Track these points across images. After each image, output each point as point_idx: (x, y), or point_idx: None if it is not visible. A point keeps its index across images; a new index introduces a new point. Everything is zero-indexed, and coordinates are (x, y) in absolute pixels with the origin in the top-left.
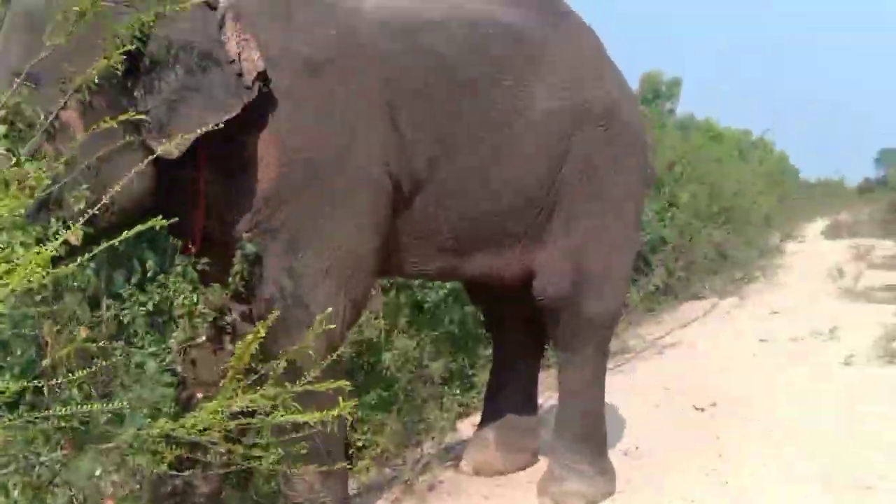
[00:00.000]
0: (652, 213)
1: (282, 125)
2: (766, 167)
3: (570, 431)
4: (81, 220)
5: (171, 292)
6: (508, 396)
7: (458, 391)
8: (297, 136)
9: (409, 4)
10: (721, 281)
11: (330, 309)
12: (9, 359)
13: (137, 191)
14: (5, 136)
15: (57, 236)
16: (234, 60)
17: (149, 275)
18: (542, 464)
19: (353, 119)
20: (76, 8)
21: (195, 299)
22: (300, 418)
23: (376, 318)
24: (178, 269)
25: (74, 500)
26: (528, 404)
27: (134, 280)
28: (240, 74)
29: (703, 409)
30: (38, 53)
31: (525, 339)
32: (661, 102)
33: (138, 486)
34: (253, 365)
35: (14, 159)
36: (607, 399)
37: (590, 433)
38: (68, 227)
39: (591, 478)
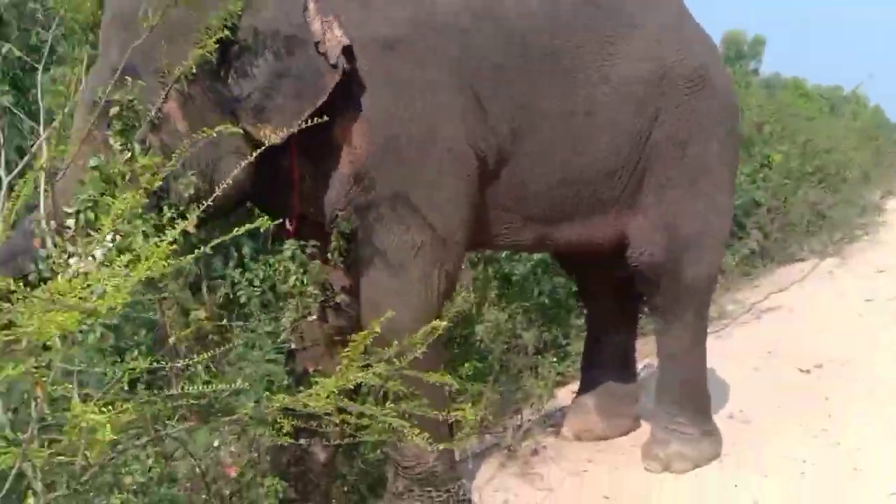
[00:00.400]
0: (744, 176)
1: (367, 106)
2: (860, 122)
3: (672, 395)
4: (194, 207)
5: (277, 272)
6: (606, 363)
7: (553, 360)
8: (382, 116)
9: None
10: (820, 242)
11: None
12: (134, 339)
13: (239, 177)
14: (120, 132)
15: (174, 225)
16: (318, 42)
17: (245, 259)
18: (644, 429)
19: (436, 96)
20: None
21: (304, 280)
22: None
23: (466, 292)
24: (288, 252)
25: (198, 469)
26: (626, 371)
27: (231, 264)
28: (325, 55)
29: (808, 371)
30: (137, 49)
31: (620, 307)
32: (745, 62)
33: (256, 455)
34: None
35: (129, 153)
36: (707, 364)
37: (693, 396)
38: (182, 216)
39: (696, 440)
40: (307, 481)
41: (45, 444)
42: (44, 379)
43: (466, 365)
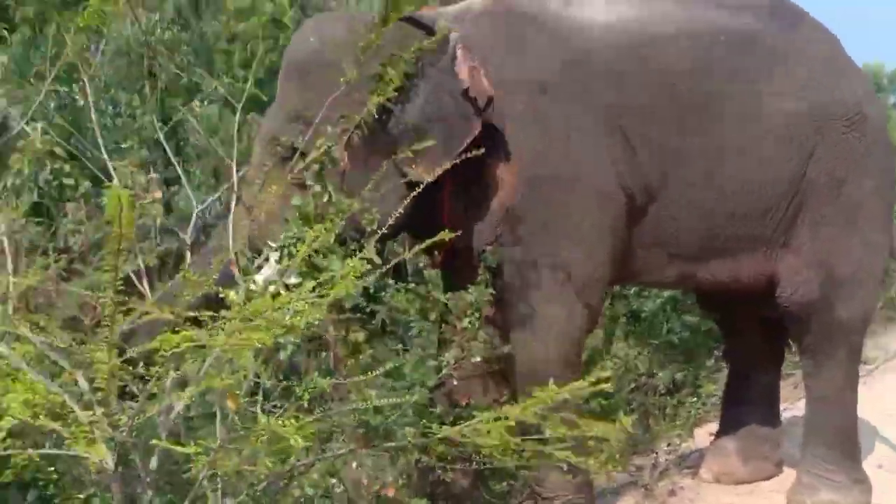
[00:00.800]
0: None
1: (518, 147)
2: None
3: (822, 439)
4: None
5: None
6: (748, 405)
7: (692, 400)
8: (533, 156)
9: (639, 23)
10: None
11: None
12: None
13: (395, 210)
14: (317, 175)
15: (357, 254)
16: (467, 88)
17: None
18: (786, 474)
19: (586, 138)
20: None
21: (475, 325)
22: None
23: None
24: (471, 295)
25: (361, 488)
26: (770, 413)
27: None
28: (474, 100)
29: None
30: (309, 98)
31: (764, 346)
32: (885, 96)
33: (407, 478)
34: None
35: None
36: None
37: (843, 441)
38: (360, 246)
39: (846, 488)
40: None
41: (229, 454)
42: (237, 392)
43: (593, 402)
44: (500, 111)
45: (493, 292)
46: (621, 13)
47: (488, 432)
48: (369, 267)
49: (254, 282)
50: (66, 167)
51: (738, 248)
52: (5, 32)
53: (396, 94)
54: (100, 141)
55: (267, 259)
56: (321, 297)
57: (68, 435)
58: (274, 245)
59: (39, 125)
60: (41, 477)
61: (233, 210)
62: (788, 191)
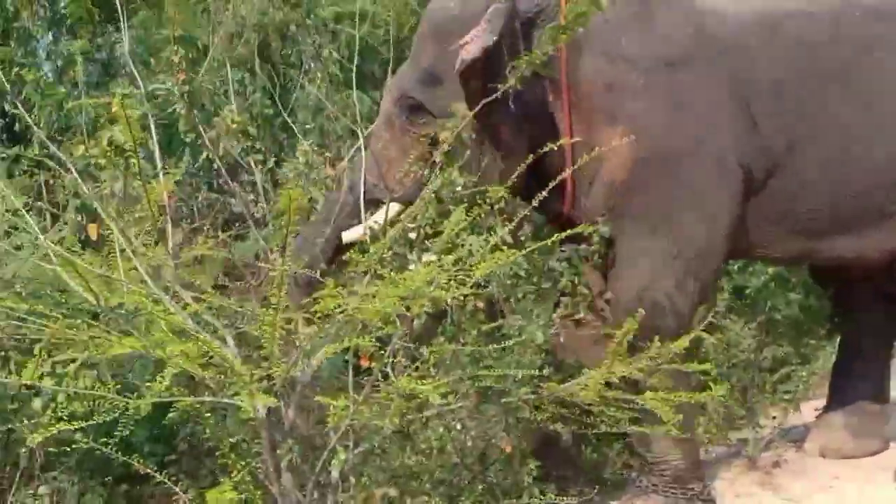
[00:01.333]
0: None
1: (639, 119)
2: None
3: None
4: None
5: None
6: (858, 380)
7: (800, 374)
8: (652, 129)
9: None
10: None
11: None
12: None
13: (518, 181)
14: (447, 156)
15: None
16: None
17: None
18: (893, 451)
19: (707, 111)
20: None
21: (577, 280)
22: (679, 399)
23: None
24: (566, 253)
25: (480, 440)
26: (879, 389)
27: None
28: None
29: None
30: (443, 59)
31: (880, 323)
32: None
33: (519, 436)
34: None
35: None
36: None
37: None
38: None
39: None
40: (551, 465)
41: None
42: (381, 352)
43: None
44: (623, 85)
45: (603, 263)
46: None
47: (587, 387)
48: (508, 250)
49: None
50: (258, 144)
51: (863, 223)
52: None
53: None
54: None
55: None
56: (465, 275)
57: (225, 386)
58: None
59: (233, 106)
60: (200, 420)
61: (362, 157)
62: None
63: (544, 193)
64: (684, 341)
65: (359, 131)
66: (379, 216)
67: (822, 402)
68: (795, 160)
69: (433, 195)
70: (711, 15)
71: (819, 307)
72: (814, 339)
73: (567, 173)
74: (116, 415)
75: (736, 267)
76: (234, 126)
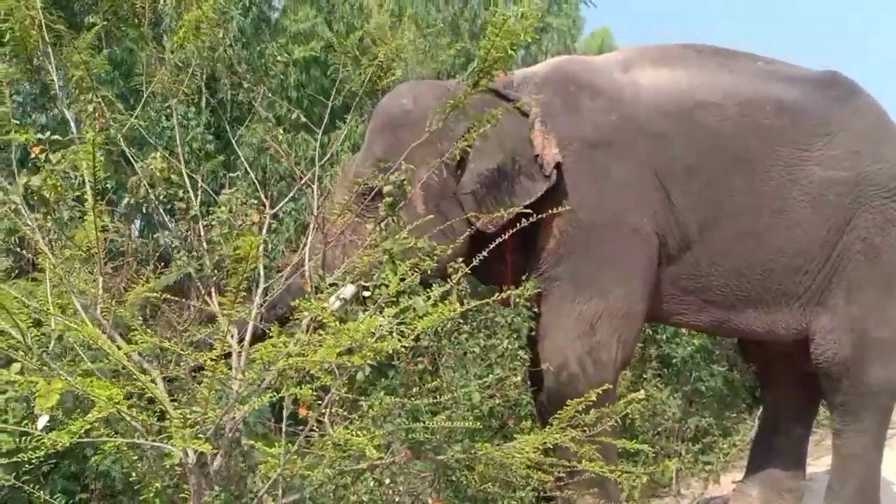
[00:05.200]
0: None
1: (569, 194)
2: None
3: (845, 496)
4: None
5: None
6: (776, 455)
7: (721, 446)
8: (581, 202)
9: (688, 89)
10: None
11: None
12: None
13: (458, 251)
14: (390, 206)
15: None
16: (538, 155)
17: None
18: None
19: (627, 188)
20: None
21: (516, 344)
22: (598, 470)
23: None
24: (502, 319)
25: (408, 496)
26: (796, 465)
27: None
28: (541, 166)
29: None
30: (396, 148)
31: (798, 400)
32: None
33: (452, 493)
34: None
35: (395, 224)
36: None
37: (865, 498)
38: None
39: None
40: None
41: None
42: (317, 402)
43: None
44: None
45: (533, 315)
46: (670, 80)
47: (522, 451)
48: (453, 308)
49: (328, 303)
50: (181, 192)
51: (772, 301)
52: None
53: (474, 150)
54: (179, 152)
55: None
56: (407, 328)
57: (144, 429)
58: (340, 272)
59: (159, 151)
60: (127, 465)
61: (310, 235)
62: (823, 253)
63: (483, 254)
64: (617, 411)
65: (299, 173)
66: (340, 293)
67: (740, 475)
68: (705, 238)
69: (387, 255)
70: (633, 104)
71: (742, 381)
72: (736, 411)
73: (506, 237)
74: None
75: (664, 337)
76: (159, 174)
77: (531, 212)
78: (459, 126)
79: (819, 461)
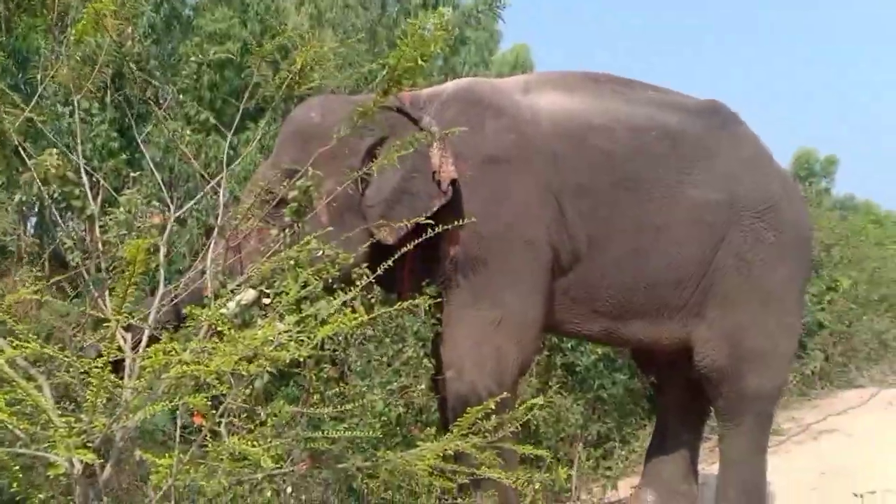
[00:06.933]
0: (810, 297)
1: (467, 205)
2: None
3: (731, 498)
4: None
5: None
6: (669, 461)
7: (619, 453)
8: (478, 213)
9: (582, 113)
10: (881, 371)
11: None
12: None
13: (359, 261)
14: (295, 212)
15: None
16: (435, 171)
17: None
18: None
19: (522, 202)
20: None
21: (420, 353)
22: (497, 476)
23: (529, 376)
24: (413, 327)
25: None
26: (689, 471)
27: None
28: (439, 182)
29: (861, 496)
30: (303, 157)
31: (687, 407)
32: (816, 180)
33: (355, 501)
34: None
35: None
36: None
37: (751, 500)
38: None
39: None
40: None
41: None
42: (213, 412)
43: (521, 448)
44: (458, 177)
45: (435, 323)
46: (567, 104)
47: (423, 458)
48: (356, 316)
49: (226, 307)
50: (77, 191)
51: (656, 313)
52: None
53: (378, 166)
54: (78, 149)
55: (236, 291)
56: (307, 336)
57: (28, 438)
58: (244, 277)
59: (55, 149)
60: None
61: (213, 241)
62: (700, 268)
63: (389, 263)
64: (519, 417)
65: (207, 175)
66: (239, 298)
67: (638, 480)
68: (594, 253)
69: (291, 261)
70: (532, 124)
71: (642, 389)
72: (636, 418)
73: (410, 246)
74: None
75: (569, 345)
76: (54, 171)
77: (432, 222)
78: (365, 141)
79: (714, 466)
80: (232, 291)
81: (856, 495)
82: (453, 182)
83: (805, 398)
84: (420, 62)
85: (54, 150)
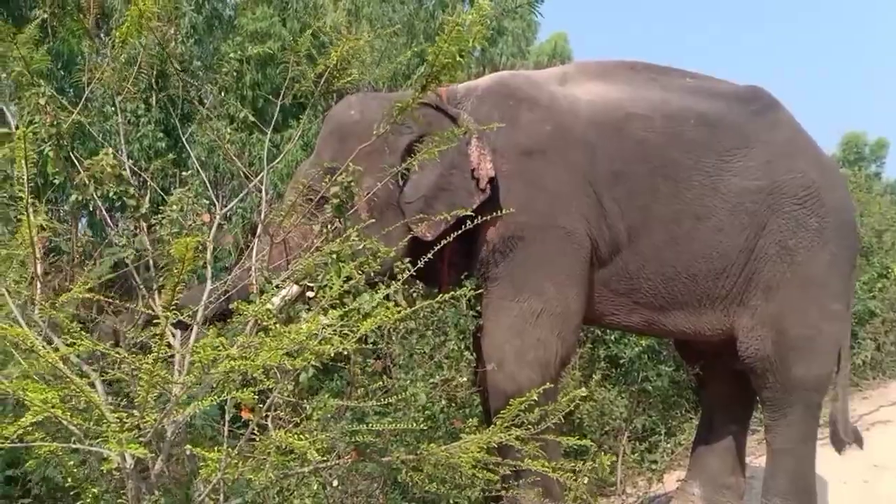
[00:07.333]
0: (861, 284)
1: (504, 198)
2: None
3: (778, 489)
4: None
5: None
6: (716, 454)
7: (665, 446)
8: (516, 206)
9: (619, 101)
10: None
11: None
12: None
13: (399, 255)
14: (337, 208)
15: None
16: (474, 169)
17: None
18: None
19: (559, 193)
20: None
21: (463, 345)
22: (541, 468)
23: (572, 369)
24: (454, 319)
25: (356, 498)
26: (736, 463)
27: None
28: (477, 180)
29: None
30: (343, 156)
31: (733, 398)
32: (866, 164)
33: (401, 496)
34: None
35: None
36: (816, 468)
37: (799, 493)
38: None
39: None
40: None
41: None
42: (259, 406)
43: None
44: (495, 170)
45: (475, 315)
46: (604, 93)
47: (467, 451)
48: (399, 310)
49: (270, 303)
50: (131, 190)
51: (697, 303)
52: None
53: (418, 164)
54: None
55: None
56: (350, 330)
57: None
58: (288, 273)
59: (110, 150)
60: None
61: (258, 237)
62: (742, 257)
63: (428, 256)
64: (561, 409)
65: (251, 173)
66: (284, 293)
67: (684, 473)
68: (634, 243)
69: (334, 256)
70: (570, 115)
71: (687, 381)
72: (681, 411)
73: (449, 240)
74: None
75: (613, 337)
76: (109, 170)
77: (472, 214)
78: (404, 138)
79: (763, 458)
80: (276, 287)
81: None
82: (491, 180)
83: (856, 388)
84: (458, 58)
85: (110, 151)
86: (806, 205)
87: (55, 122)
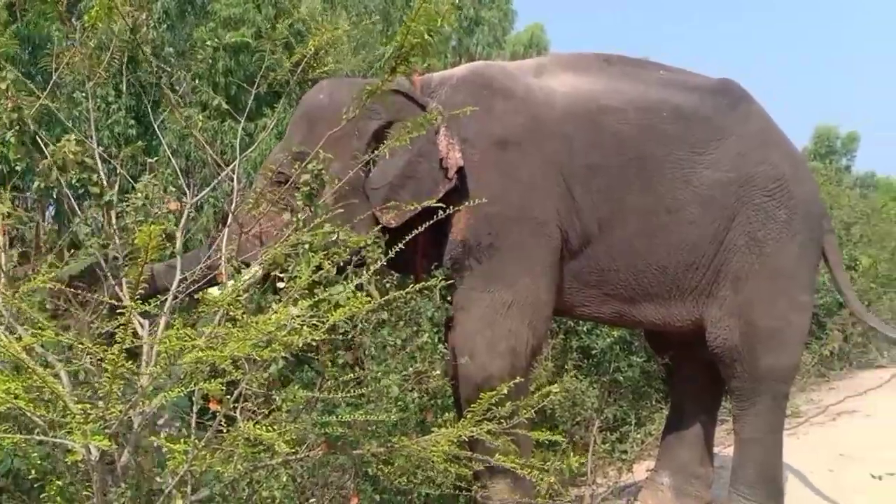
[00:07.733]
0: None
1: (474, 188)
2: None
3: (745, 478)
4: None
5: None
6: (685, 444)
7: (635, 436)
8: (487, 196)
9: (593, 94)
10: None
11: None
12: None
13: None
14: (307, 196)
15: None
16: (443, 158)
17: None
18: None
19: (531, 184)
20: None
21: (435, 338)
22: (510, 465)
23: (544, 360)
24: (428, 312)
25: (325, 489)
26: (705, 453)
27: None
28: (445, 169)
29: (880, 478)
30: (312, 141)
31: (701, 388)
32: (837, 158)
33: (372, 488)
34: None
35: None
36: (783, 457)
37: (766, 481)
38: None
39: None
40: None
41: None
42: (227, 397)
43: (535, 433)
44: (465, 161)
45: (448, 307)
46: (579, 86)
47: (438, 444)
48: (370, 300)
49: (225, 285)
50: (95, 177)
51: (667, 294)
52: None
53: (385, 150)
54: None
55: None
56: (320, 320)
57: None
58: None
59: (80, 134)
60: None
61: (228, 226)
62: (712, 248)
63: (399, 246)
64: (533, 403)
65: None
66: (244, 275)
67: (654, 463)
68: (605, 235)
69: (304, 246)
70: (544, 106)
71: (658, 371)
72: (651, 401)
73: (421, 229)
74: None
75: (585, 328)
76: (72, 157)
77: (441, 206)
78: (372, 123)
79: (731, 448)
80: (238, 271)
81: (874, 477)
82: (459, 169)
83: (823, 379)
84: (428, 37)
85: (73, 137)
86: (775, 196)
87: (16, 107)
